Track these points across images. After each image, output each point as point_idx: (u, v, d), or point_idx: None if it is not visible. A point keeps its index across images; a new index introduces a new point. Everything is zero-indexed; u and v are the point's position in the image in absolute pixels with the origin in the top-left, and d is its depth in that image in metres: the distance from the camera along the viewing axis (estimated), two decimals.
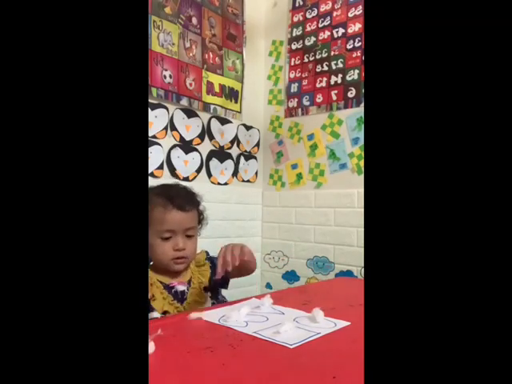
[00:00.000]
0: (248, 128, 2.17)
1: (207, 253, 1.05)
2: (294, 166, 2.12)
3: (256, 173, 2.22)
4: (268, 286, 2.19)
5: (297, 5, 2.15)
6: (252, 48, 2.19)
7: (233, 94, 2.07)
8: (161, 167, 1.75)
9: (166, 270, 0.93)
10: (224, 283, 1.02)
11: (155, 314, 0.52)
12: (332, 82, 1.98)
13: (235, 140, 2.10)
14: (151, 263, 0.98)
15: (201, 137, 1.93)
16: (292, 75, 2.15)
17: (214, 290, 1.00)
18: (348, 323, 0.68)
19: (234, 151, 2.10)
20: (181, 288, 0.93)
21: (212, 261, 1.02)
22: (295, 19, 2.15)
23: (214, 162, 1.98)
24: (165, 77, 1.75)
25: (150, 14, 1.69)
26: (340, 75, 1.96)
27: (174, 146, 1.80)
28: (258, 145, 2.23)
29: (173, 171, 1.79)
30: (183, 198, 0.94)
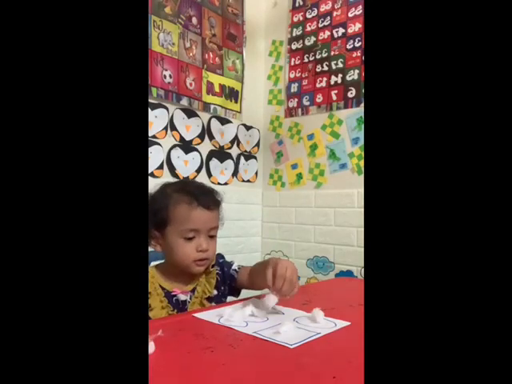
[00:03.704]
0: (248, 128, 2.17)
1: (217, 256, 0.96)
2: (294, 166, 2.12)
3: (256, 173, 2.22)
4: None
5: (297, 5, 2.15)
6: (252, 48, 2.19)
7: (233, 94, 2.07)
8: (161, 167, 1.75)
9: (184, 272, 0.88)
10: (235, 292, 0.96)
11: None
12: (332, 82, 1.98)
13: (235, 140, 2.10)
14: (156, 263, 0.94)
15: (201, 137, 1.92)
16: (292, 75, 2.15)
17: (220, 300, 0.94)
18: (348, 323, 0.68)
19: (234, 151, 2.10)
20: (183, 297, 0.88)
21: (222, 267, 0.95)
22: (295, 19, 2.15)
23: (213, 162, 1.98)
24: (165, 77, 1.74)
25: (150, 14, 1.69)
26: (340, 75, 1.95)
27: (173, 146, 1.80)
28: (258, 145, 2.23)
29: (173, 171, 1.79)
30: (208, 196, 0.90)
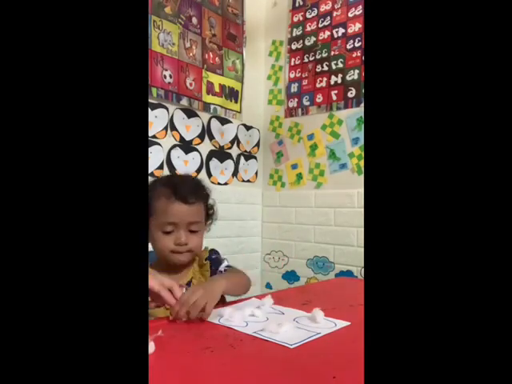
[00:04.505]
0: (248, 128, 2.17)
1: (211, 251, 0.97)
2: (294, 166, 2.12)
3: (256, 173, 2.22)
4: (268, 286, 2.19)
5: (297, 5, 2.15)
6: (252, 48, 2.19)
7: (233, 94, 2.07)
8: (161, 167, 1.75)
9: (168, 263, 0.89)
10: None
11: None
12: (332, 82, 1.98)
13: (235, 140, 2.10)
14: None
15: (201, 137, 1.92)
16: (292, 75, 2.15)
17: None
18: (348, 323, 0.68)
19: (234, 151, 2.10)
20: None
21: (212, 263, 0.94)
22: (295, 19, 2.15)
23: (214, 162, 1.98)
24: (165, 77, 1.74)
25: (150, 14, 1.69)
26: (340, 75, 1.95)
27: (173, 146, 1.80)
28: (258, 145, 2.23)
29: (173, 171, 1.79)
30: (188, 189, 0.88)
